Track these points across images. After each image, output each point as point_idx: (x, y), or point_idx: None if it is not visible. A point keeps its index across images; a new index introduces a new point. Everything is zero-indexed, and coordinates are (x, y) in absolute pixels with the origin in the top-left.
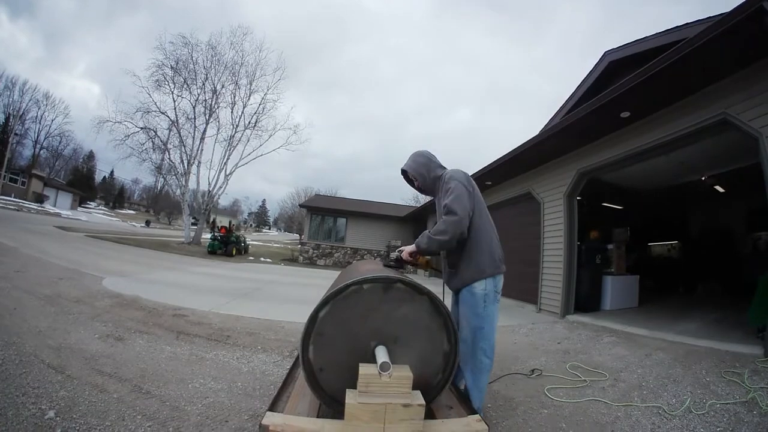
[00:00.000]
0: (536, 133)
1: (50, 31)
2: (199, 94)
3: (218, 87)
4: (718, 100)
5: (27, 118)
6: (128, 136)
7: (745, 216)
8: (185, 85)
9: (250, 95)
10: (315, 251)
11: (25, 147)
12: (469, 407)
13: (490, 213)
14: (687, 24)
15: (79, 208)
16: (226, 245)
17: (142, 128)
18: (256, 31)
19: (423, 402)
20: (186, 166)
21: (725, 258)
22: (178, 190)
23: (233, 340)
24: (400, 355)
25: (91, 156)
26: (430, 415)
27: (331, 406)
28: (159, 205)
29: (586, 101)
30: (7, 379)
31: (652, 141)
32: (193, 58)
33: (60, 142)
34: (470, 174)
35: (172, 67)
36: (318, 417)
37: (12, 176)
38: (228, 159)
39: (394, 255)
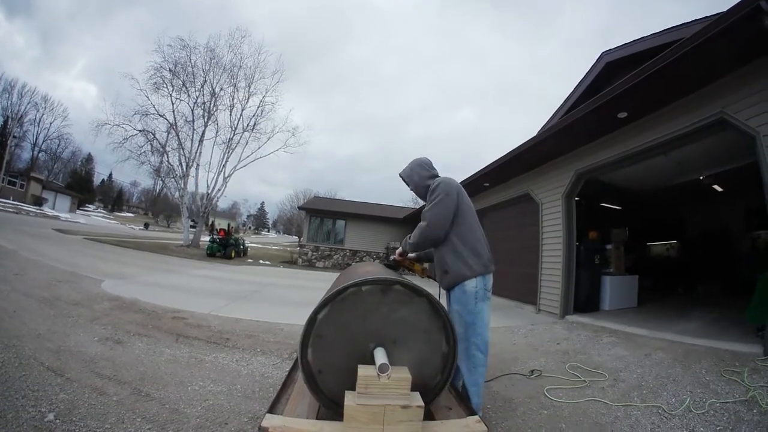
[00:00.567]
0: (537, 132)
1: (47, 30)
2: (197, 97)
3: (217, 90)
4: (715, 99)
5: (25, 120)
6: (127, 138)
7: (744, 215)
8: (184, 88)
9: (248, 98)
10: (314, 253)
11: (23, 150)
12: (468, 408)
13: (488, 214)
14: (684, 24)
15: (78, 211)
16: (225, 248)
17: (140, 131)
18: (257, 29)
19: (422, 403)
20: (185, 169)
21: (724, 257)
22: (177, 193)
23: (232, 343)
24: (399, 357)
25: (89, 159)
26: (429, 416)
27: (330, 408)
28: (158, 207)
29: (584, 102)
30: (6, 382)
31: (649, 141)
32: (192, 61)
33: (58, 145)
34: (467, 177)
35: (170, 70)
36: (317, 419)
37: (10, 179)
38: (226, 161)
39: (392, 257)
